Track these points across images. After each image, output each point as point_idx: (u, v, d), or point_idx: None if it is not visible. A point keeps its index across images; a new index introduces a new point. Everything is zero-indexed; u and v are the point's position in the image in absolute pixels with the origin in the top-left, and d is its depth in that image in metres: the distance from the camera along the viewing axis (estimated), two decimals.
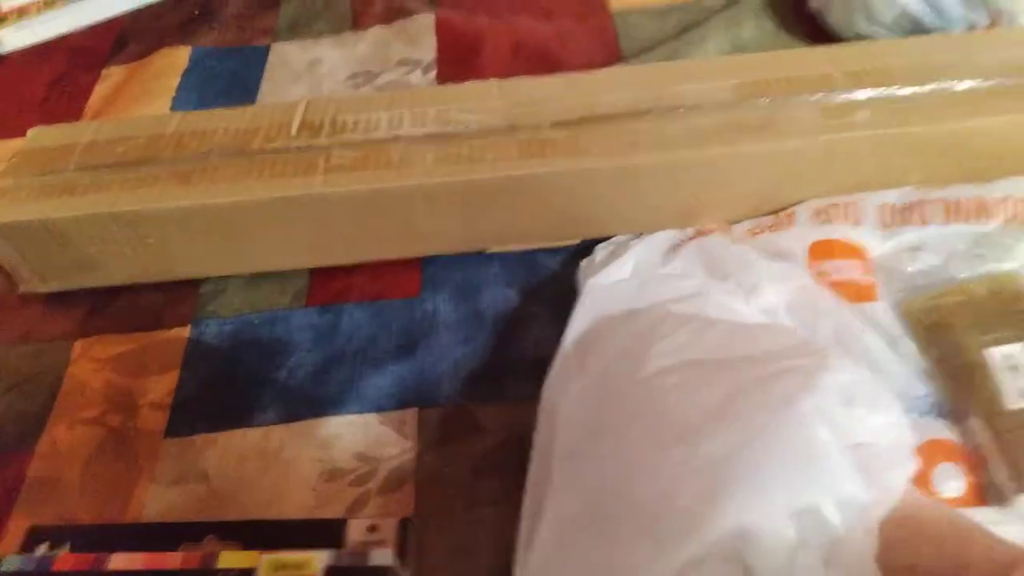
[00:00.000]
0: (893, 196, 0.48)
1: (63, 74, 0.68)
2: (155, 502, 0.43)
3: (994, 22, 0.56)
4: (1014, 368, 0.40)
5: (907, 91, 0.49)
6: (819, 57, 0.52)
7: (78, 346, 0.50)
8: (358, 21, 0.69)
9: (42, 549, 0.39)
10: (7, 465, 0.45)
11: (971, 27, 0.57)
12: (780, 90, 0.49)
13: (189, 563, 0.36)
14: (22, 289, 0.52)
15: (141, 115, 0.62)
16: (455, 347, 0.48)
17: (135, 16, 0.73)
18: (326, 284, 0.52)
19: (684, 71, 0.52)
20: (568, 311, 0.46)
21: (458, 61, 0.65)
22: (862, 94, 0.49)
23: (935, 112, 0.48)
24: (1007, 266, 0.45)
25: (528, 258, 0.52)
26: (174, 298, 0.52)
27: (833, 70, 0.50)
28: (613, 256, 0.48)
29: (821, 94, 0.49)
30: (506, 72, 0.63)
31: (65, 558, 0.37)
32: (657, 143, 0.47)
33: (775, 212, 0.49)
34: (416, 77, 0.64)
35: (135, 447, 0.45)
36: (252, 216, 0.48)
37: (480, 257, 0.52)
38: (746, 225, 0.49)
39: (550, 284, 0.51)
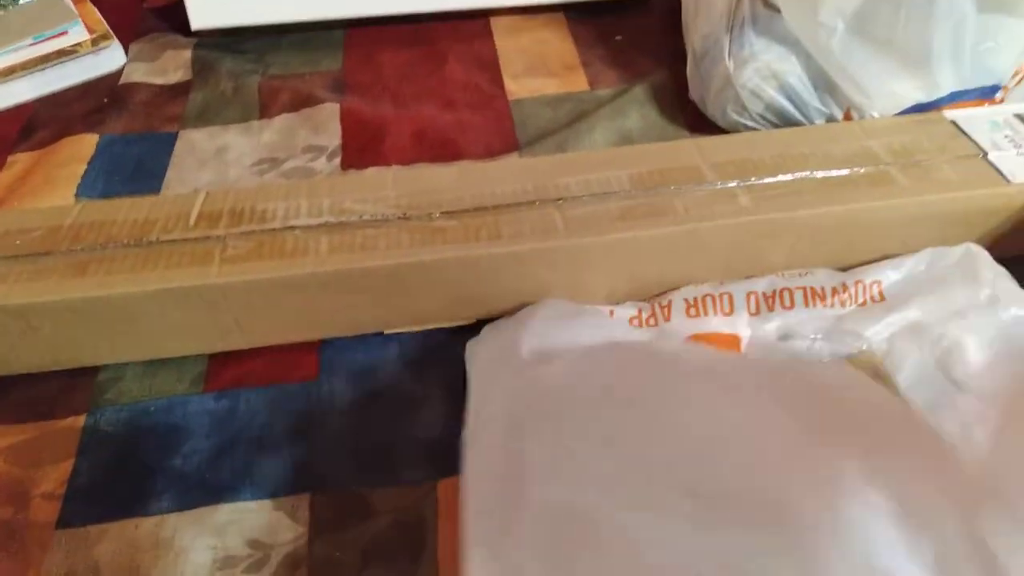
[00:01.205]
0: (761, 284, 0.52)
1: None
2: None
3: (847, 114, 0.61)
4: None
5: (769, 180, 0.53)
6: (690, 149, 0.56)
7: None
8: (266, 109, 0.72)
9: None
10: None
11: (828, 119, 0.62)
12: (655, 181, 0.53)
13: None
14: None
15: (43, 206, 0.62)
16: (350, 431, 0.50)
17: (43, 103, 0.74)
18: (223, 369, 0.53)
19: (568, 163, 0.56)
20: (463, 390, 0.48)
21: (362, 148, 0.68)
22: (728, 184, 0.53)
23: (795, 201, 0.52)
24: (862, 345, 0.49)
25: (426, 337, 0.54)
26: (70, 386, 0.52)
27: (702, 162, 0.55)
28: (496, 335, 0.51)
29: (691, 185, 0.53)
30: (408, 158, 0.67)
31: None
32: (539, 231, 0.50)
33: (653, 296, 0.53)
34: (321, 164, 0.67)
35: (25, 540, 0.45)
36: (148, 305, 0.49)
37: (378, 338, 0.54)
38: (628, 312, 0.52)
39: (446, 363, 0.53)
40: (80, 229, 0.52)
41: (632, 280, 0.53)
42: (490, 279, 0.51)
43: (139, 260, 0.50)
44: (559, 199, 0.52)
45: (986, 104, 0.60)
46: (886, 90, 0.58)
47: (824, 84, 0.61)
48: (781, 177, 0.54)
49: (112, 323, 0.50)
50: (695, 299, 0.52)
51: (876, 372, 0.49)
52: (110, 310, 0.49)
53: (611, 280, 0.53)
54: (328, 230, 0.51)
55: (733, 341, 0.51)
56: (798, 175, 0.54)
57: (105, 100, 0.73)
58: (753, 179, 0.53)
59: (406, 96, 0.73)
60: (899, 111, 0.60)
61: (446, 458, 0.48)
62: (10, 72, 0.73)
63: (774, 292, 0.52)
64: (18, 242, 0.51)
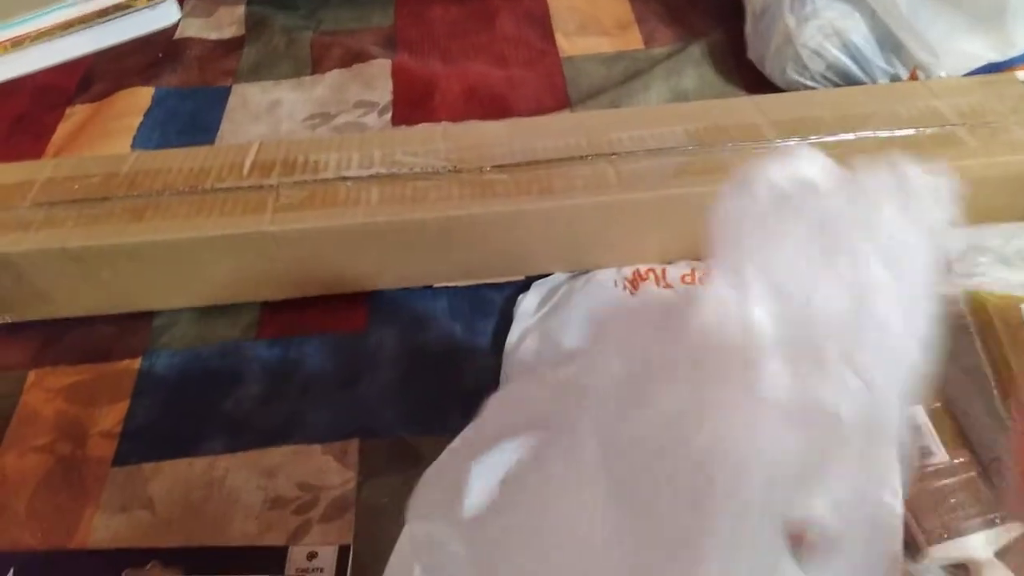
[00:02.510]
0: None
1: (27, 112, 0.70)
2: (101, 529, 0.44)
3: (913, 74, 0.59)
4: (915, 427, 0.42)
5: (830, 139, 0.52)
6: (748, 107, 0.55)
7: (32, 376, 0.51)
8: (318, 65, 0.72)
9: None
10: None
11: (893, 79, 0.60)
12: (712, 137, 0.52)
13: None
14: None
15: (99, 154, 0.63)
16: (398, 380, 0.50)
17: (100, 56, 0.74)
18: (276, 318, 0.54)
19: (625, 118, 0.55)
20: None
21: (413, 104, 0.67)
22: (788, 142, 0.52)
23: (853, 160, 0.51)
24: None
25: (473, 293, 0.54)
26: (127, 330, 0.53)
27: (761, 120, 0.53)
28: (547, 295, 0.51)
29: (756, 141, 0.52)
30: (458, 115, 0.66)
31: None
32: (592, 186, 0.50)
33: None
34: (372, 119, 0.67)
35: (83, 475, 0.47)
36: (203, 252, 0.50)
37: (427, 292, 0.54)
38: (680, 270, 0.51)
39: (493, 318, 0.53)
40: (136, 176, 0.53)
41: (686, 238, 0.52)
42: (540, 234, 0.51)
43: (194, 207, 0.50)
44: (612, 154, 0.52)
45: None
46: (956, 49, 0.56)
47: (889, 43, 0.59)
48: (842, 136, 0.52)
49: (167, 268, 0.51)
50: None
51: None
52: (165, 255, 0.50)
53: (664, 238, 0.52)
54: (379, 181, 0.51)
55: None
56: (861, 134, 0.52)
57: (160, 55, 0.74)
58: (813, 137, 0.52)
59: (456, 52, 0.72)
60: (969, 71, 0.57)
61: None
62: (68, 26, 0.74)
63: None
64: (76, 187, 0.52)
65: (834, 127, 0.52)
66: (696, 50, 0.69)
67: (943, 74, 0.57)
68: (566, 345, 0.47)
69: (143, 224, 0.49)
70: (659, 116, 0.55)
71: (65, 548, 0.43)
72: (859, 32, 0.60)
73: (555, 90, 0.68)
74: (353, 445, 0.47)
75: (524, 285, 0.53)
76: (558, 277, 0.53)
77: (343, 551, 0.42)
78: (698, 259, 0.52)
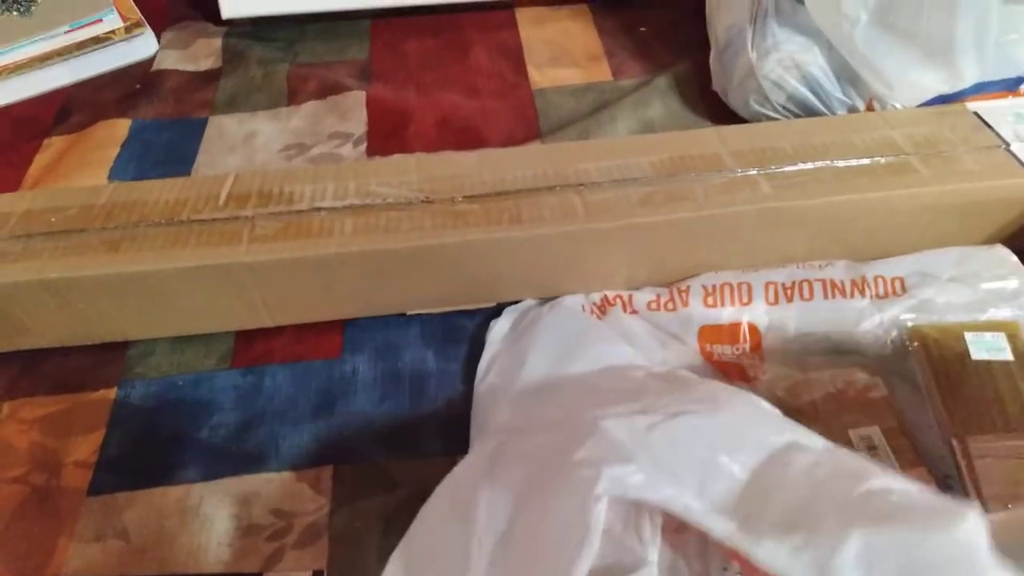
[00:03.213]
0: (781, 275, 0.53)
1: (5, 143, 0.70)
2: (75, 559, 0.45)
3: (869, 105, 0.61)
4: (871, 447, 0.44)
5: (789, 168, 0.54)
6: (711, 137, 0.57)
7: (5, 407, 0.52)
8: (294, 96, 0.73)
9: None
10: None
11: (851, 109, 0.62)
12: (676, 168, 0.54)
13: None
14: None
15: (77, 186, 0.64)
16: (372, 406, 0.51)
17: (78, 88, 0.75)
18: (250, 346, 0.54)
19: (587, 150, 0.56)
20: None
21: (387, 135, 0.69)
22: (748, 172, 0.53)
23: (815, 188, 0.52)
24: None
25: (446, 320, 0.55)
26: (102, 360, 0.54)
27: (723, 150, 0.55)
28: (517, 320, 0.52)
29: (711, 172, 0.54)
30: (432, 146, 0.68)
31: None
32: (559, 215, 0.51)
33: (672, 282, 0.54)
34: (347, 150, 0.68)
35: (58, 505, 0.47)
36: (178, 283, 0.50)
37: (400, 319, 0.55)
38: (646, 296, 0.53)
39: (466, 344, 0.54)
40: (113, 208, 0.53)
41: (651, 265, 0.53)
42: (510, 262, 0.52)
43: (170, 238, 0.51)
44: (579, 184, 0.53)
45: (1009, 96, 0.60)
46: (909, 81, 0.59)
47: (847, 75, 0.62)
48: (801, 165, 0.54)
49: (143, 299, 0.51)
50: (713, 286, 0.52)
51: (865, 388, 0.48)
52: (141, 286, 0.50)
53: (630, 265, 0.53)
54: (353, 212, 0.52)
55: (742, 335, 0.51)
56: (819, 164, 0.54)
57: (138, 86, 0.75)
58: (773, 167, 0.54)
59: (431, 84, 0.74)
60: (922, 102, 0.60)
61: (465, 433, 0.49)
62: (46, 58, 0.75)
63: (793, 283, 0.52)
64: (53, 219, 0.53)
65: (794, 157, 0.54)
66: (663, 82, 0.71)
67: (898, 105, 0.60)
68: (532, 368, 0.48)
69: (119, 255, 0.50)
70: (625, 147, 0.56)
71: None
72: (818, 65, 0.62)
73: (526, 121, 0.70)
74: (327, 471, 0.48)
75: (496, 311, 0.55)
76: (528, 303, 0.54)
77: None
78: (663, 285, 0.54)
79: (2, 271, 0.50)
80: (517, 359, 0.50)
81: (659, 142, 0.57)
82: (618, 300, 0.53)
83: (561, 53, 0.77)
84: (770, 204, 0.52)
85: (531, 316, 0.53)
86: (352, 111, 0.71)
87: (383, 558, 0.44)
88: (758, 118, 0.65)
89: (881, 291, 0.51)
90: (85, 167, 0.67)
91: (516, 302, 0.55)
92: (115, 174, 0.66)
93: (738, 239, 0.53)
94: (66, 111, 0.73)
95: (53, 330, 0.53)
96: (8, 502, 0.47)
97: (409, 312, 0.55)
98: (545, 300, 0.54)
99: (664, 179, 0.53)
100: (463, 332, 0.55)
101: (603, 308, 0.52)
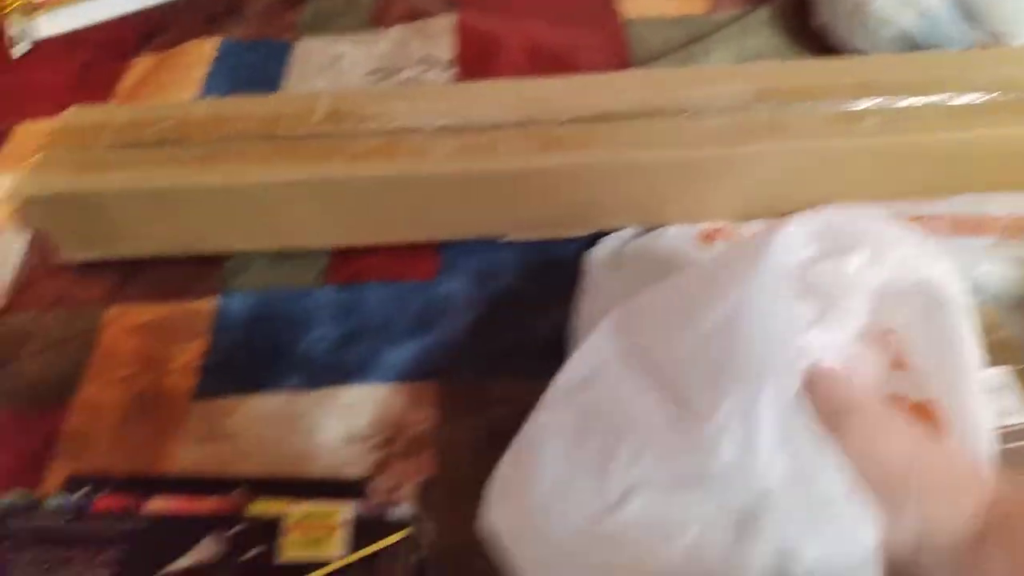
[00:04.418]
0: (901, 209, 0.51)
1: (94, 62, 0.71)
2: (184, 459, 0.45)
3: (985, 44, 0.59)
4: (991, 390, 0.43)
5: (908, 103, 0.52)
6: (825, 68, 0.55)
7: (110, 312, 0.52)
8: (380, 19, 0.72)
9: (76, 495, 0.41)
10: (45, 417, 0.47)
11: (964, 48, 0.60)
12: (787, 96, 0.52)
13: (222, 509, 0.38)
14: (57, 257, 0.54)
15: (171, 101, 0.64)
16: (470, 327, 0.51)
17: (165, 8, 0.75)
18: (345, 264, 0.54)
19: (694, 76, 0.55)
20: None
21: (475, 61, 0.68)
22: (865, 104, 0.52)
23: (935, 123, 0.50)
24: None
25: (542, 246, 0.55)
26: (200, 272, 0.54)
27: (838, 80, 0.53)
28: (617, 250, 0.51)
29: (827, 102, 0.52)
30: (521, 74, 0.66)
31: (104, 500, 0.39)
32: (666, 141, 0.50)
33: (783, 214, 0.52)
34: (434, 75, 0.67)
35: (164, 407, 0.48)
36: (276, 197, 0.50)
37: (496, 244, 0.55)
38: (753, 228, 0.52)
39: (562, 271, 0.53)
40: (211, 122, 0.53)
41: (758, 198, 0.52)
42: (611, 188, 0.51)
43: (268, 153, 0.51)
44: (684, 111, 0.52)
45: None
46: None
47: (965, 11, 0.59)
48: (916, 100, 0.52)
49: (241, 212, 0.51)
50: None
51: (992, 326, 0.47)
52: (240, 199, 0.50)
53: (736, 196, 0.52)
54: (450, 133, 0.51)
55: None
56: (934, 98, 0.52)
57: (223, 7, 0.75)
58: (886, 100, 0.52)
59: (519, 11, 0.73)
60: None
61: (562, 356, 0.49)
62: None
63: (912, 220, 0.50)
64: (154, 130, 0.53)
65: (908, 90, 0.52)
66: (760, 15, 0.69)
67: (1020, 43, 0.57)
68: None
69: (219, 168, 0.50)
70: (731, 75, 0.55)
71: (154, 473, 0.45)
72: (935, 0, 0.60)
73: (618, 52, 0.68)
74: (430, 386, 0.48)
75: (593, 240, 0.54)
76: (628, 232, 0.53)
77: (422, 485, 0.43)
78: (776, 216, 0.52)
79: (104, 179, 0.50)
80: (621, 285, 0.49)
81: (767, 71, 0.55)
82: (724, 232, 0.52)
83: None
84: (882, 138, 0.50)
85: (633, 244, 0.52)
86: (439, 36, 0.70)
87: (489, 471, 0.44)
88: (862, 55, 0.63)
89: (1007, 228, 0.49)
90: (173, 87, 0.67)
91: (614, 230, 0.54)
92: (205, 94, 0.66)
93: (849, 173, 0.52)
94: (153, 31, 0.73)
95: (152, 239, 0.53)
96: (117, 403, 0.48)
97: (506, 237, 0.55)
98: (644, 230, 0.53)
99: (772, 108, 0.52)
100: (560, 258, 0.54)
101: (710, 237, 0.51)
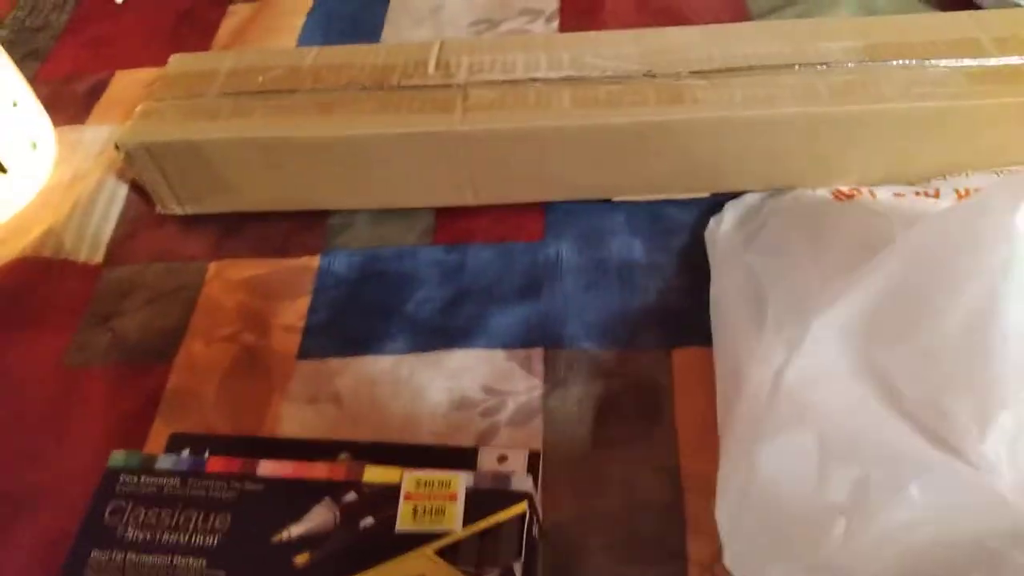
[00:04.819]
0: None
1: (192, 7, 0.70)
2: (289, 419, 0.45)
3: None
4: None
5: None
6: (965, 22, 0.50)
7: (212, 267, 0.52)
8: None
9: (184, 455, 0.41)
10: (147, 374, 0.47)
11: None
12: (923, 53, 0.48)
13: (335, 475, 0.37)
14: (159, 210, 0.53)
15: (279, 48, 0.63)
16: (579, 292, 0.49)
17: None
18: (451, 224, 0.52)
19: (823, 28, 0.51)
20: (695, 263, 0.48)
21: (581, 12, 0.65)
22: (1011, 60, 0.47)
23: None
24: None
25: (653, 209, 0.52)
26: (303, 228, 0.53)
27: (980, 35, 0.49)
28: (745, 215, 0.48)
29: (967, 60, 0.48)
30: (629, 25, 0.62)
31: (215, 461, 0.38)
32: (798, 97, 0.47)
33: (914, 181, 0.48)
34: (538, 27, 0.64)
35: (269, 366, 0.47)
36: (389, 150, 0.49)
37: (604, 206, 0.52)
38: (891, 189, 0.48)
39: (675, 236, 0.51)
40: (320, 70, 0.52)
41: (896, 159, 0.48)
42: (741, 145, 0.48)
43: (381, 103, 0.49)
44: (821, 63, 0.48)
45: None
46: None
47: None
48: None
49: (351, 165, 0.50)
50: (967, 190, 0.47)
51: None
52: (352, 151, 0.49)
53: (873, 157, 0.48)
54: (571, 84, 0.49)
55: None
56: None
57: None
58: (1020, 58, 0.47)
59: None
60: None
61: (679, 328, 0.46)
62: None
63: None
64: (261, 79, 0.52)
65: None
66: None
67: None
68: (788, 254, 0.43)
69: (331, 118, 0.48)
70: (870, 27, 0.50)
71: (258, 435, 0.44)
72: None
73: (734, 2, 0.64)
74: (538, 353, 0.46)
75: (709, 203, 0.51)
76: (752, 197, 0.50)
77: (533, 456, 0.42)
78: (907, 183, 0.49)
79: (213, 128, 0.49)
80: (757, 255, 0.45)
81: (906, 24, 0.51)
82: (861, 191, 0.48)
83: None
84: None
85: (767, 207, 0.48)
86: None
87: (599, 445, 0.43)
88: (1003, 7, 0.58)
89: None
90: (272, 34, 0.66)
91: (733, 194, 0.51)
92: (303, 42, 0.64)
93: (997, 137, 0.47)
94: None
95: (259, 192, 0.52)
96: (222, 360, 0.47)
97: (616, 199, 0.52)
98: (771, 193, 0.50)
99: (915, 64, 0.48)
100: (673, 222, 0.51)
101: (849, 196, 0.48)
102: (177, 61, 0.54)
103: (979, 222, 0.30)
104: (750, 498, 0.33)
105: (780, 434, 0.33)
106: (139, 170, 0.51)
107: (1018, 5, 0.57)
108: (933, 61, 0.48)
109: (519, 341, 0.47)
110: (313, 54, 0.53)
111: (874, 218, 0.43)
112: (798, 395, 0.33)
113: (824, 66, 0.48)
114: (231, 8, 0.69)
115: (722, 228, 0.48)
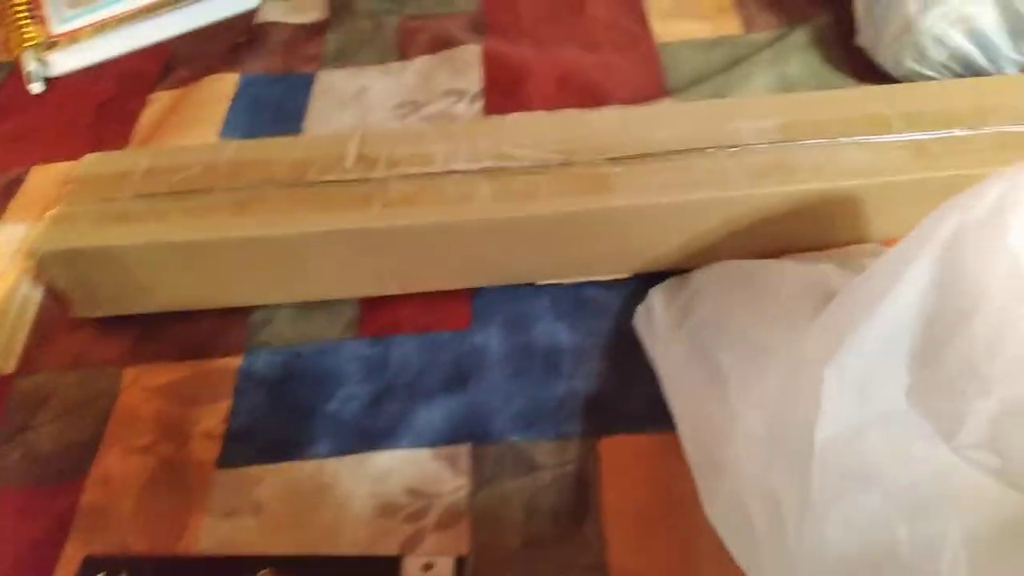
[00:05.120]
0: None
1: (112, 98, 0.69)
2: (209, 535, 0.43)
3: None
4: None
5: (963, 133, 0.49)
6: (875, 96, 0.52)
7: (128, 373, 0.50)
8: (404, 51, 0.69)
9: None
10: (59, 494, 0.45)
11: (1022, 69, 0.56)
12: (834, 131, 0.49)
13: None
14: (74, 314, 0.52)
15: (194, 143, 0.62)
16: (506, 381, 0.48)
17: (182, 41, 0.73)
18: (376, 315, 0.52)
19: (736, 108, 0.52)
20: (620, 347, 0.48)
21: (505, 92, 0.65)
22: (917, 136, 0.49)
23: (992, 155, 0.47)
24: None
25: (578, 291, 0.52)
26: (223, 327, 0.52)
27: (889, 111, 0.50)
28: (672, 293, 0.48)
29: (878, 135, 0.49)
30: (552, 103, 0.64)
31: None
32: (715, 180, 0.47)
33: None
34: (462, 108, 0.64)
35: (188, 477, 0.45)
36: (308, 247, 0.48)
37: (530, 289, 0.52)
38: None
39: (600, 319, 0.50)
40: (237, 167, 0.51)
41: (810, 236, 0.49)
42: (657, 229, 0.48)
43: (299, 201, 0.48)
44: (734, 146, 0.49)
45: None
46: None
47: (1021, 29, 0.56)
48: (977, 131, 0.49)
49: (271, 263, 0.49)
50: None
51: None
52: (271, 250, 0.48)
53: (782, 233, 0.49)
54: (489, 175, 0.49)
55: None
56: (996, 129, 0.49)
57: (243, 39, 0.73)
58: (946, 131, 0.49)
59: (547, 38, 0.70)
60: None
61: (606, 415, 0.46)
62: (151, 10, 0.73)
63: None
64: (176, 179, 0.51)
65: (968, 121, 0.49)
66: (801, 35, 0.66)
67: None
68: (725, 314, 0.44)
69: (247, 218, 0.48)
70: (778, 106, 0.52)
71: (175, 554, 0.42)
72: (988, 19, 0.56)
73: (652, 77, 0.65)
74: (465, 450, 0.45)
75: (631, 282, 0.51)
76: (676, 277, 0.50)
77: (460, 562, 0.41)
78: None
79: (127, 232, 0.48)
80: (699, 320, 0.45)
81: (817, 101, 0.52)
82: None
83: (685, 3, 0.72)
84: (945, 173, 0.47)
85: (695, 280, 0.48)
86: (466, 66, 0.67)
87: (528, 544, 0.42)
88: (911, 78, 0.60)
89: None
90: (195, 123, 0.65)
91: (656, 272, 0.51)
92: (227, 131, 0.64)
93: (916, 211, 0.48)
94: (171, 65, 0.71)
95: (177, 293, 0.51)
96: (138, 473, 0.46)
97: (540, 282, 0.52)
98: (687, 271, 0.50)
99: (825, 143, 0.49)
100: (597, 304, 0.51)
101: None
102: (90, 161, 0.53)
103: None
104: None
105: (842, 499, 0.30)
106: (52, 276, 0.50)
107: (930, 78, 0.59)
108: (841, 139, 0.49)
109: (445, 437, 0.46)
110: (230, 149, 0.52)
111: (810, 268, 0.44)
112: (844, 452, 0.31)
113: (736, 148, 0.49)
114: (151, 97, 0.68)
115: (653, 312, 0.48)
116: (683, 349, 0.44)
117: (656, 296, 0.49)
